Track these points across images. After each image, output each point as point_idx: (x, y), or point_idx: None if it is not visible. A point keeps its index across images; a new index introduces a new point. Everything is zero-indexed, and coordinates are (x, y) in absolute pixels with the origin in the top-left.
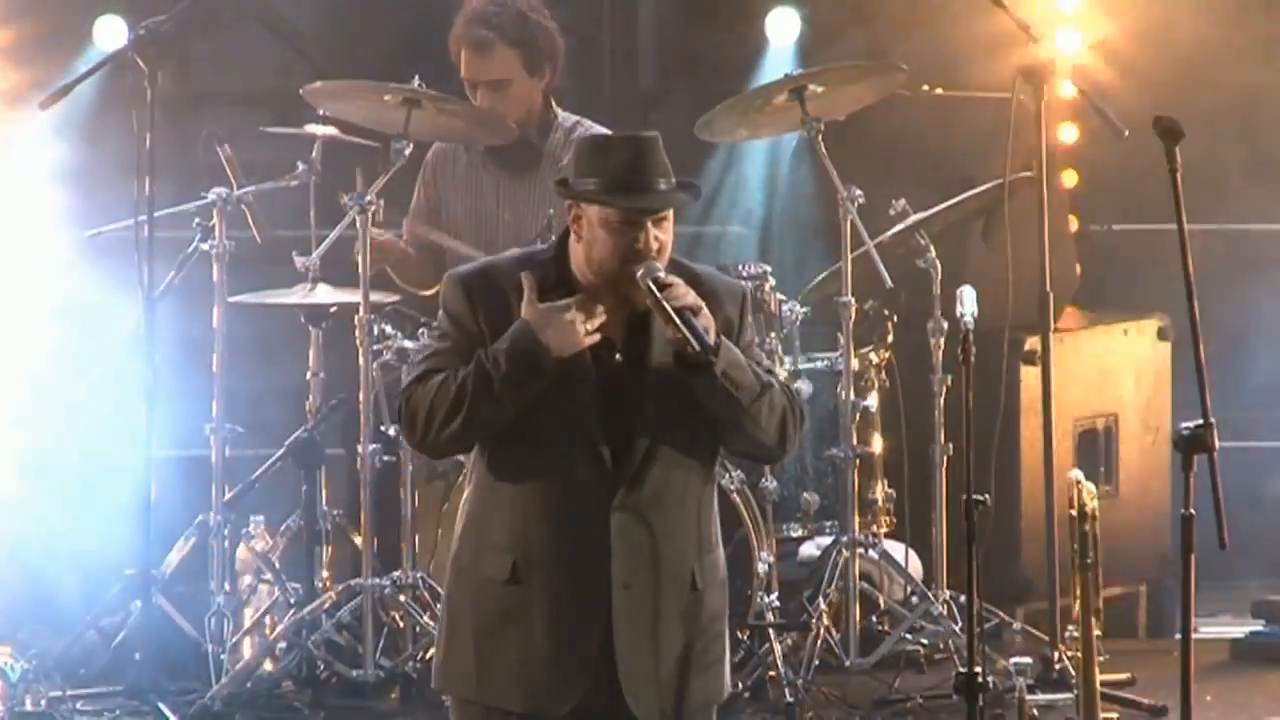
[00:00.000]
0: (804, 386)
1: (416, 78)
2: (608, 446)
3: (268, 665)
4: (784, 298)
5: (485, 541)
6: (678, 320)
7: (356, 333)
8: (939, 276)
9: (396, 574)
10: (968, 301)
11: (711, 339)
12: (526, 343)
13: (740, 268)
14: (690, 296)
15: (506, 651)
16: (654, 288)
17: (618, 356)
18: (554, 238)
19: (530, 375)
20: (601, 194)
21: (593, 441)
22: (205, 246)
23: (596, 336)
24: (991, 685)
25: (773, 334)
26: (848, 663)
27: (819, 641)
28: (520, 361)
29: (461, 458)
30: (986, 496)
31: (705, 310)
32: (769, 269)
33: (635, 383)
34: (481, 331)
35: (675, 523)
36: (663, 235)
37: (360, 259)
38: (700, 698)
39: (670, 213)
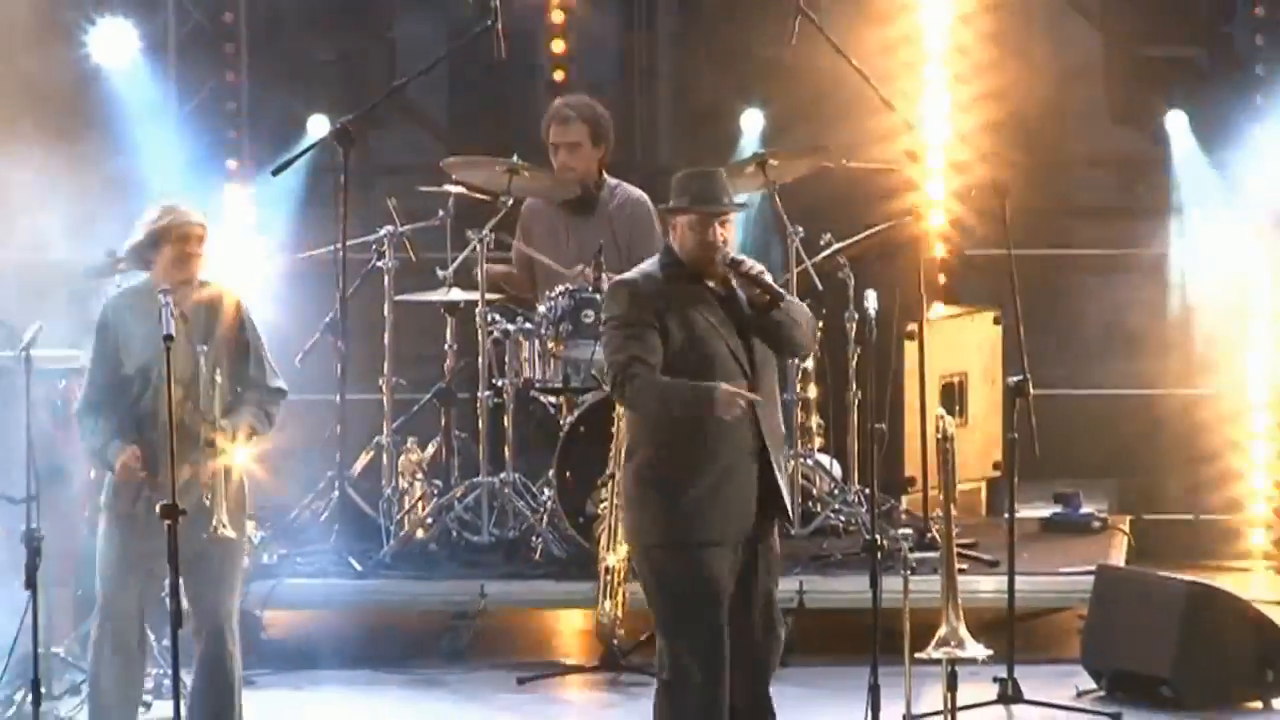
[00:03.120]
0: None
1: (515, 155)
2: (747, 363)
3: (420, 534)
4: None
5: (673, 433)
6: (760, 283)
7: (477, 319)
8: (852, 284)
9: (502, 474)
10: (870, 300)
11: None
12: (701, 403)
13: None
14: (758, 266)
15: (700, 500)
16: (733, 265)
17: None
18: (601, 259)
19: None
20: (691, 205)
21: (739, 361)
22: (379, 264)
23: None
24: (885, 546)
25: None
26: (793, 532)
27: None
28: (693, 409)
29: (551, 401)
30: (883, 425)
31: (768, 281)
32: None
33: (742, 325)
34: (649, 315)
35: (775, 409)
36: (725, 232)
37: (479, 272)
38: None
39: (732, 216)
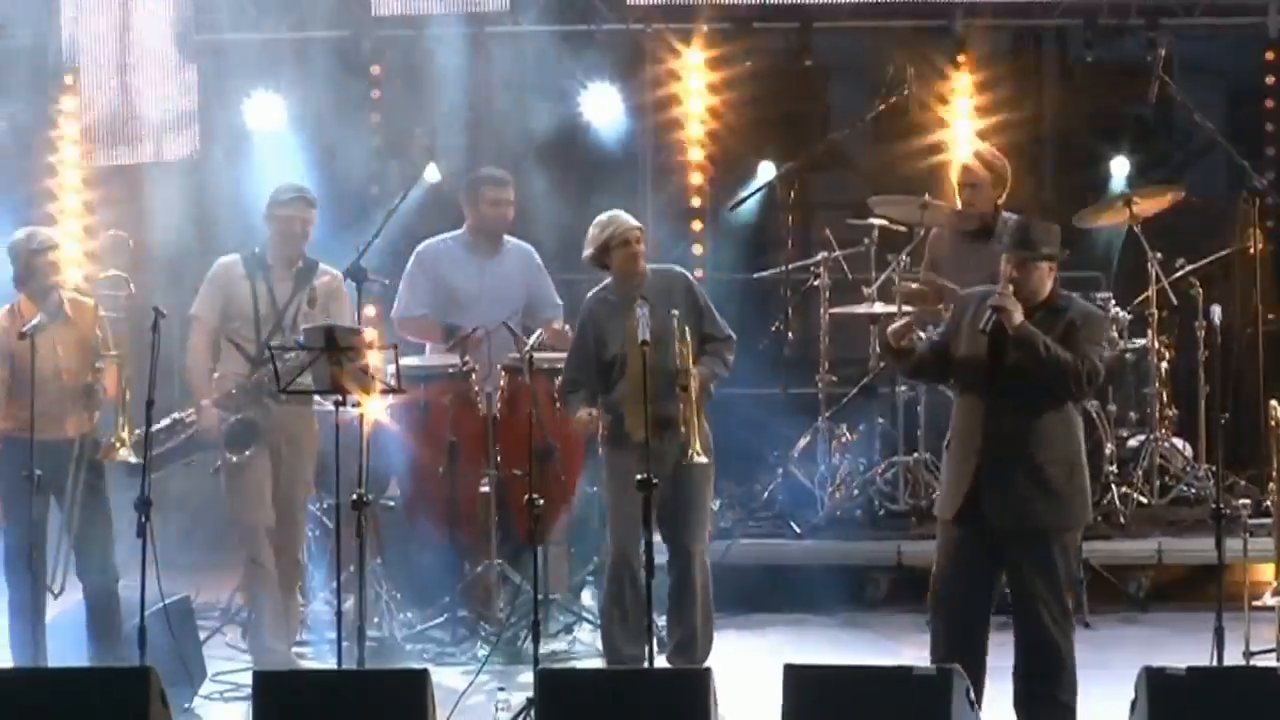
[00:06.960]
0: (1129, 357)
1: (927, 194)
2: (989, 368)
3: (846, 503)
4: (1118, 309)
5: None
6: (997, 310)
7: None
8: (1200, 298)
9: (915, 454)
10: (1215, 312)
11: (990, 324)
12: None
13: (1094, 294)
14: (1003, 301)
15: (951, 485)
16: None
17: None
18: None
19: None
20: (1002, 249)
21: (984, 365)
22: (816, 282)
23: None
24: (1228, 513)
25: (1114, 327)
26: (1151, 501)
27: (1138, 489)
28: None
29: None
30: (1226, 415)
31: (1006, 310)
32: (1111, 295)
33: (997, 341)
34: (955, 317)
35: (1022, 422)
36: (1016, 271)
37: (873, 289)
38: (1044, 519)
39: (1027, 260)
